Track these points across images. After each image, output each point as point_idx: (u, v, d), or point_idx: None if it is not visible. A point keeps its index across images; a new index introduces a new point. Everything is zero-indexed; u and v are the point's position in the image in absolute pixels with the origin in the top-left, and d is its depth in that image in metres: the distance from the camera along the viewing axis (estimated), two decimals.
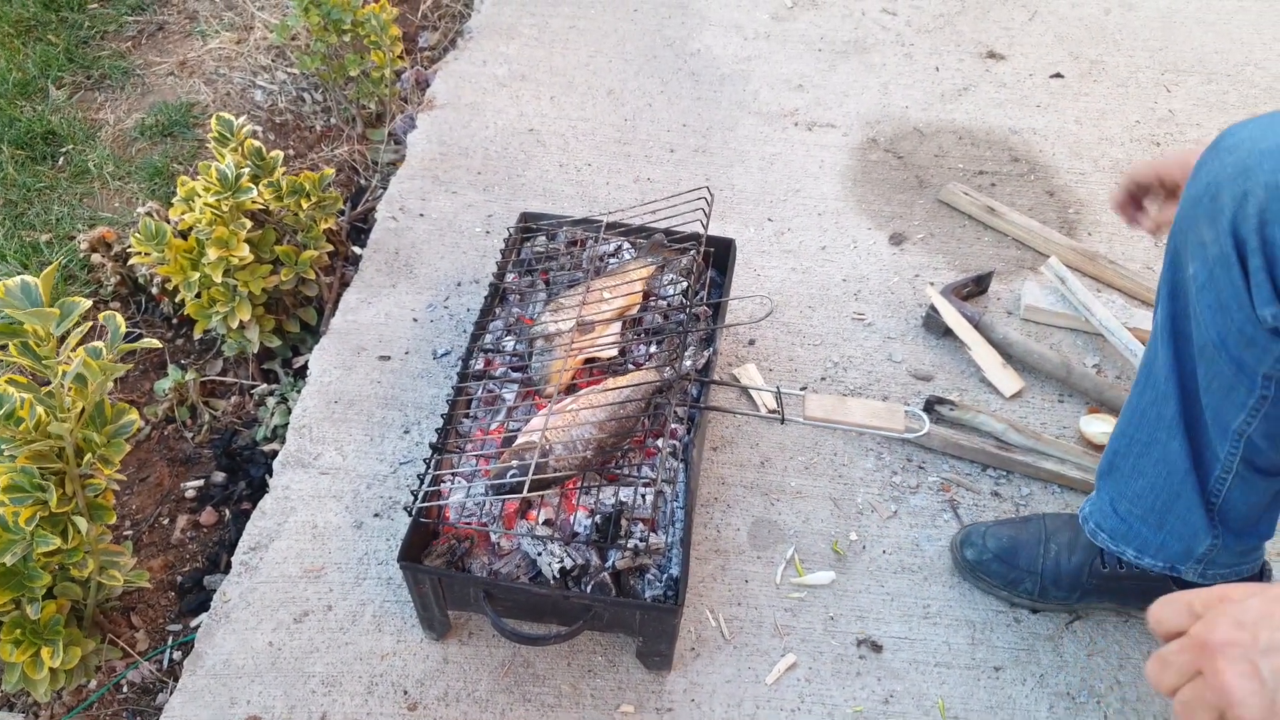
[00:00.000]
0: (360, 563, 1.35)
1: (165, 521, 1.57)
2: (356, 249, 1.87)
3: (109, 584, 1.27)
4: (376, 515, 1.40)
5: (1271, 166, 0.82)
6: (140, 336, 1.79)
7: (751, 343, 1.59)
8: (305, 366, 1.67)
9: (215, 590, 1.38)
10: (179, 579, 1.48)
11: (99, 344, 1.16)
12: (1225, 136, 0.89)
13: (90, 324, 1.20)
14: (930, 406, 1.46)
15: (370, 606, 1.30)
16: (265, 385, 1.72)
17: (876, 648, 1.26)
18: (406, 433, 1.49)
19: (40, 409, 1.12)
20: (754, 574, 1.33)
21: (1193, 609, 0.64)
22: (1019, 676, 1.23)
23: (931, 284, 1.60)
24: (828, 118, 1.99)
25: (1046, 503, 1.40)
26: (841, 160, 1.90)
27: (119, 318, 1.19)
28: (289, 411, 1.62)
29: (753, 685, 1.22)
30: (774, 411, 1.42)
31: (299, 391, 1.61)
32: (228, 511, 1.57)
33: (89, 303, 1.12)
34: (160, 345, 1.23)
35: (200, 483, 1.61)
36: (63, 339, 1.14)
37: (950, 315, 1.53)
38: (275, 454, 1.54)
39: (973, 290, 1.61)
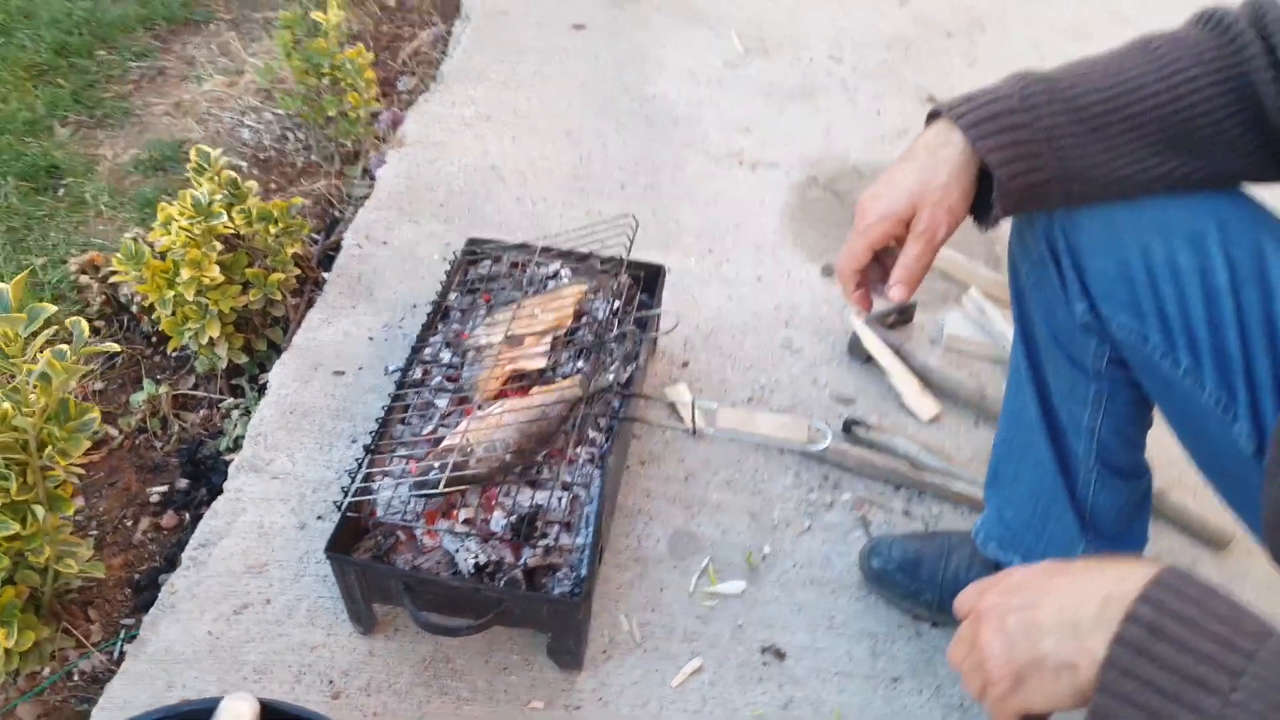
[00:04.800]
0: (300, 561, 1.43)
1: (129, 523, 1.66)
2: (326, 275, 1.98)
3: (65, 571, 1.35)
4: (319, 518, 1.48)
5: None
6: (119, 351, 1.90)
7: (685, 365, 1.68)
8: (268, 386, 1.77)
9: None
10: (136, 577, 1.56)
11: (64, 346, 1.27)
12: None
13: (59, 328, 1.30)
14: (848, 427, 1.54)
15: (306, 601, 1.38)
16: (232, 399, 1.82)
17: (780, 655, 1.32)
18: (354, 442, 1.58)
19: (6, 404, 1.22)
20: (670, 582, 1.40)
21: (980, 589, 0.72)
22: (916, 687, 1.29)
23: (857, 313, 1.69)
24: (771, 157, 2.11)
25: (956, 522, 1.47)
26: (782, 198, 2.01)
27: (84, 323, 1.29)
28: (248, 428, 1.71)
29: (659, 687, 1.29)
30: (689, 425, 1.51)
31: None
32: (188, 515, 1.66)
33: (54, 308, 1.23)
34: (120, 349, 1.34)
35: (165, 488, 1.70)
36: (31, 341, 1.25)
37: (871, 342, 1.62)
38: None
39: (897, 320, 1.70)
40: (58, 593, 1.46)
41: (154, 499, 1.69)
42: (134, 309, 1.94)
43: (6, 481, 1.24)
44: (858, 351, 1.66)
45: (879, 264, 0.99)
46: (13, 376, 1.26)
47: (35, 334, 1.25)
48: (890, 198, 0.94)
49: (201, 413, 1.83)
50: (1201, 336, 0.91)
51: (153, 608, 1.41)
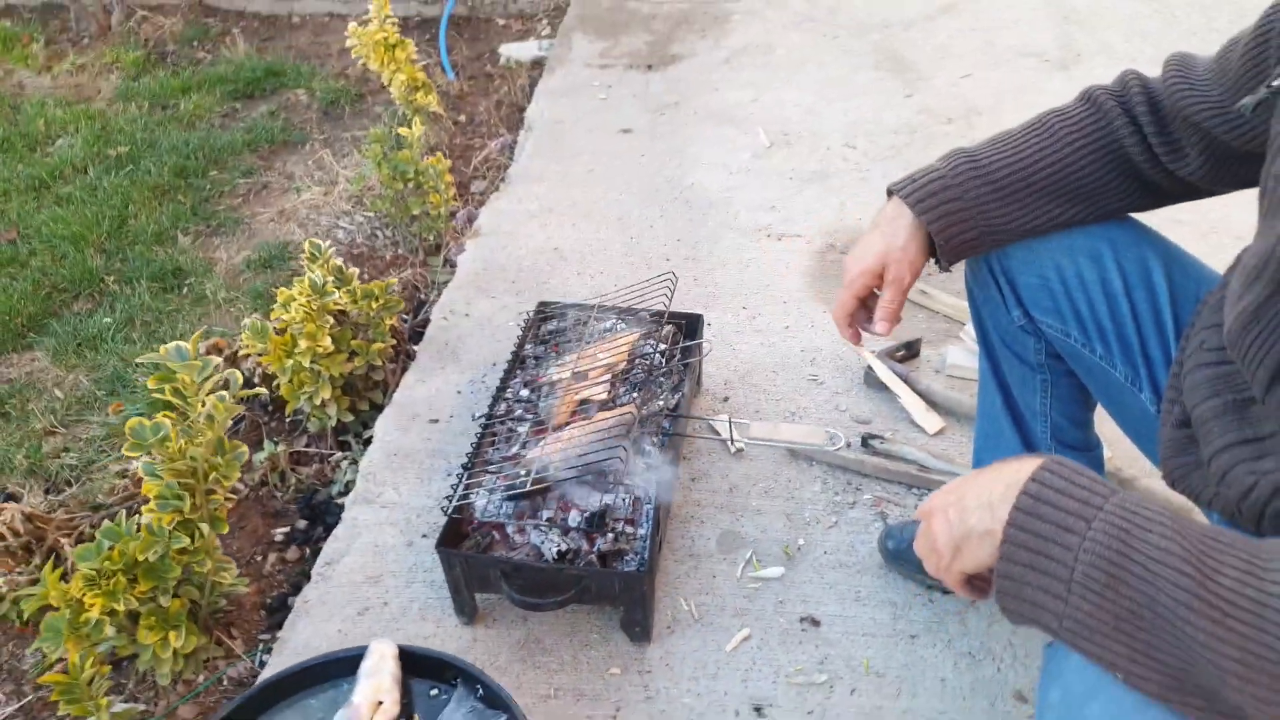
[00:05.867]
0: (410, 571, 1.71)
1: (259, 558, 1.96)
2: (415, 348, 2.32)
3: (221, 583, 1.65)
4: (424, 536, 1.77)
5: None
6: (244, 417, 2.23)
7: (726, 399, 1.96)
8: (373, 436, 2.09)
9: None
10: (268, 600, 1.85)
11: (224, 392, 1.60)
12: None
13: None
14: (866, 441, 1.80)
15: (417, 603, 1.66)
16: (340, 453, 2.13)
17: (816, 623, 1.56)
18: (449, 475, 1.87)
19: (183, 438, 1.55)
20: (720, 571, 1.66)
21: (931, 497, 0.97)
22: (930, 642, 1.52)
23: (872, 351, 1.97)
24: (794, 230, 2.43)
25: None
26: (804, 262, 2.32)
27: (239, 374, 1.63)
28: (359, 470, 2.02)
29: (715, 653, 1.53)
30: (728, 439, 1.79)
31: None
32: (308, 550, 1.95)
33: (220, 359, 1.57)
34: (263, 391, 1.66)
35: (287, 529, 2.00)
36: (201, 387, 1.58)
37: (882, 371, 1.90)
38: None
39: (905, 355, 1.98)
40: (209, 608, 1.75)
41: (278, 538, 1.99)
42: (255, 381, 2.29)
43: (181, 502, 1.55)
44: (872, 381, 1.93)
45: (865, 308, 1.28)
46: (185, 416, 1.59)
47: (204, 381, 1.58)
48: (866, 258, 1.23)
49: (314, 466, 2.15)
50: (1108, 330, 1.20)
51: (291, 613, 1.69)
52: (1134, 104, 1.16)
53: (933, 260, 1.26)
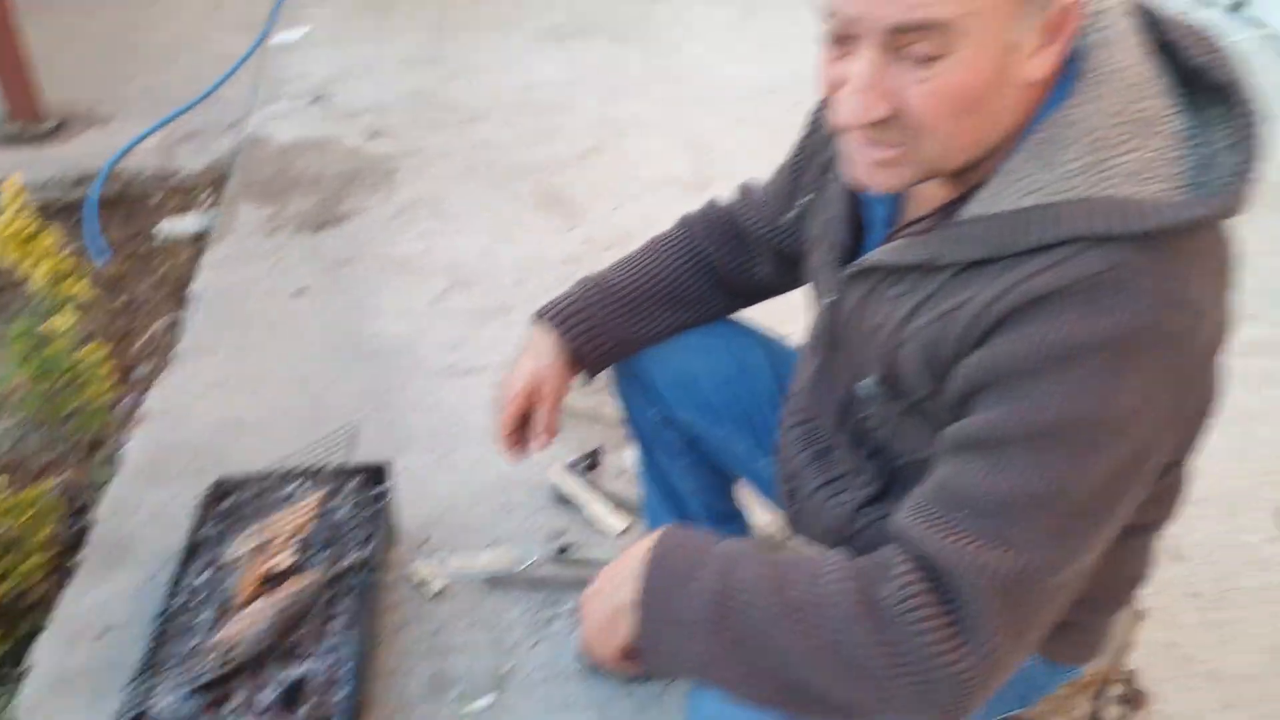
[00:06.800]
0: None
1: None
2: (79, 557, 2.12)
3: None
4: None
5: None
6: None
7: (426, 540, 1.99)
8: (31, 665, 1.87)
9: None
10: None
11: None
12: None
13: None
14: (561, 551, 1.90)
15: None
16: None
17: None
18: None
19: None
20: (433, 714, 1.65)
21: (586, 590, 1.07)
22: None
23: (562, 466, 2.09)
24: (479, 364, 2.54)
25: None
26: (491, 395, 2.43)
27: None
28: (16, 705, 1.80)
29: None
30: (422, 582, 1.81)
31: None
32: None
33: None
34: None
35: None
36: None
37: (566, 485, 2.02)
38: None
39: (590, 464, 2.12)
40: None
41: None
42: None
43: None
44: (560, 496, 2.05)
45: (526, 425, 1.41)
46: None
47: None
48: (519, 380, 1.38)
49: None
50: (726, 412, 1.40)
51: None
52: (714, 226, 1.40)
53: (579, 374, 1.40)
